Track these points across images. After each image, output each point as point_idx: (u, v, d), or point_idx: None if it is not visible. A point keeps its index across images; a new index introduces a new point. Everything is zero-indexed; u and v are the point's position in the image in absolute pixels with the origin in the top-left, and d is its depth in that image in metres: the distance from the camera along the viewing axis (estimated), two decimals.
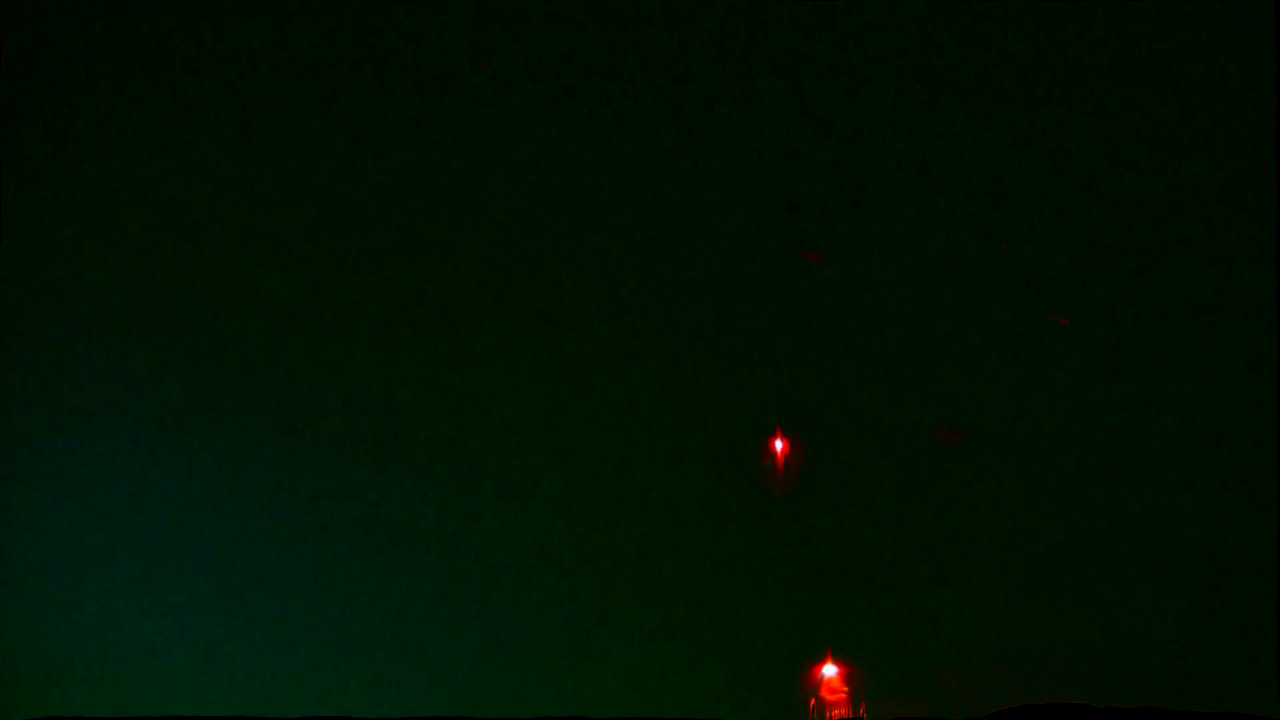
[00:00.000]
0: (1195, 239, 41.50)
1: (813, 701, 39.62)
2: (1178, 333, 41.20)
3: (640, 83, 43.52)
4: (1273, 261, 40.29)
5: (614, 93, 43.48)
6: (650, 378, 42.86)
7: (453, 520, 41.80)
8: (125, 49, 43.58)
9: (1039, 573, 40.56)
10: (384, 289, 43.08)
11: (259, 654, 40.66)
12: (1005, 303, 41.79)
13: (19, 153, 42.69)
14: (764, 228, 42.75)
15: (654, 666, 41.04)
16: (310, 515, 41.59)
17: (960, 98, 42.48)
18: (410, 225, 43.47)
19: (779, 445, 41.70)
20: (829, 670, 39.69)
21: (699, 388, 42.54)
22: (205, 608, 40.93)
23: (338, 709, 40.11)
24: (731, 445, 41.74)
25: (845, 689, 39.57)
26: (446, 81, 43.29)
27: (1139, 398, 41.17)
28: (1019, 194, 42.23)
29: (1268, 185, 40.74)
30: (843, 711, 39.35)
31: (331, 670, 40.72)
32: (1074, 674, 39.55)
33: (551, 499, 42.02)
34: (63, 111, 43.09)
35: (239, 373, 42.43)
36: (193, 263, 42.92)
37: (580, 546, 41.75)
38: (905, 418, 41.70)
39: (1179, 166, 41.83)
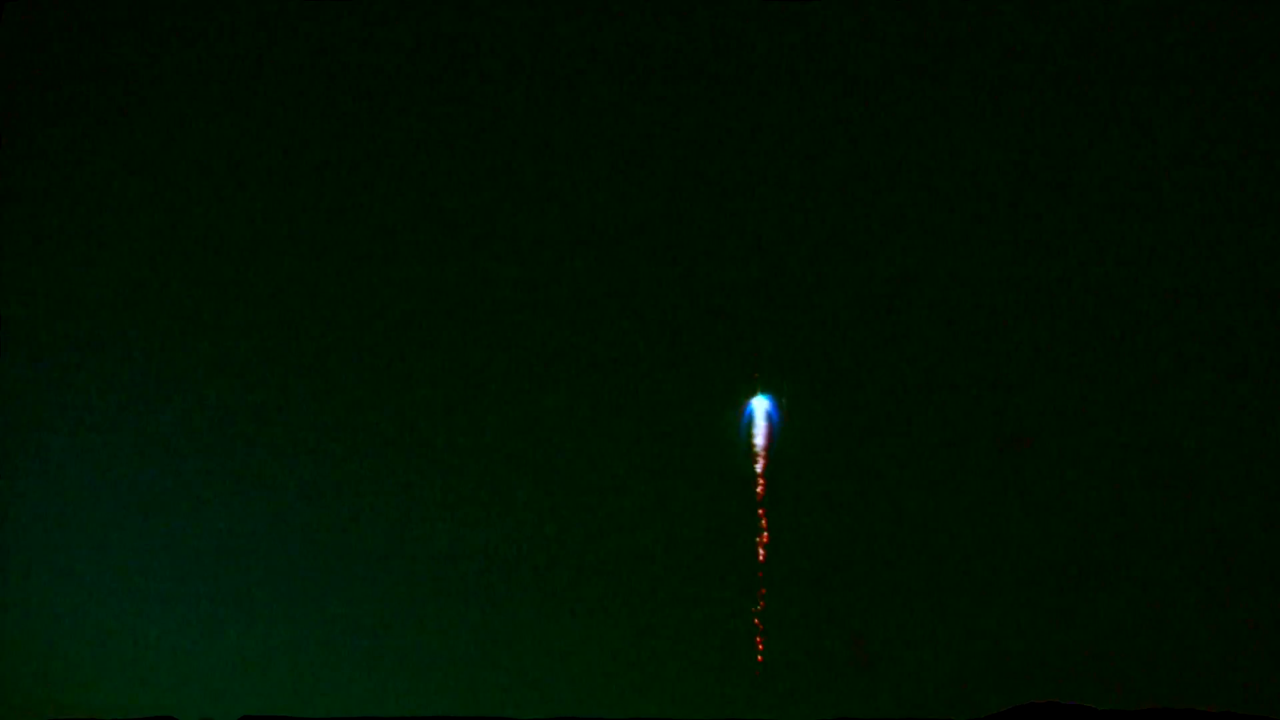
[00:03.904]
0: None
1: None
2: (1196, 333, 40.91)
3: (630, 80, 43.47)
4: None
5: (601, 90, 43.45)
6: (640, 374, 42.80)
7: (453, 517, 41.92)
8: (125, 48, 43.73)
9: (1041, 574, 40.47)
10: (390, 287, 43.17)
11: (258, 653, 40.84)
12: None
13: (19, 153, 42.90)
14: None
15: (651, 666, 41.06)
16: (310, 515, 41.72)
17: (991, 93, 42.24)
18: (412, 224, 43.56)
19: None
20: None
21: (692, 383, 42.47)
22: (204, 607, 41.12)
23: (339, 708, 40.32)
24: (725, 442, 41.68)
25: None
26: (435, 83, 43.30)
27: (1140, 400, 40.96)
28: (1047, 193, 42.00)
29: None
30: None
31: (333, 670, 40.86)
32: (1074, 674, 39.48)
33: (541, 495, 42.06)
34: (63, 111, 43.26)
35: (240, 371, 42.59)
36: (194, 263, 43.09)
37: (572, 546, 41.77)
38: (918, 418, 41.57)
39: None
